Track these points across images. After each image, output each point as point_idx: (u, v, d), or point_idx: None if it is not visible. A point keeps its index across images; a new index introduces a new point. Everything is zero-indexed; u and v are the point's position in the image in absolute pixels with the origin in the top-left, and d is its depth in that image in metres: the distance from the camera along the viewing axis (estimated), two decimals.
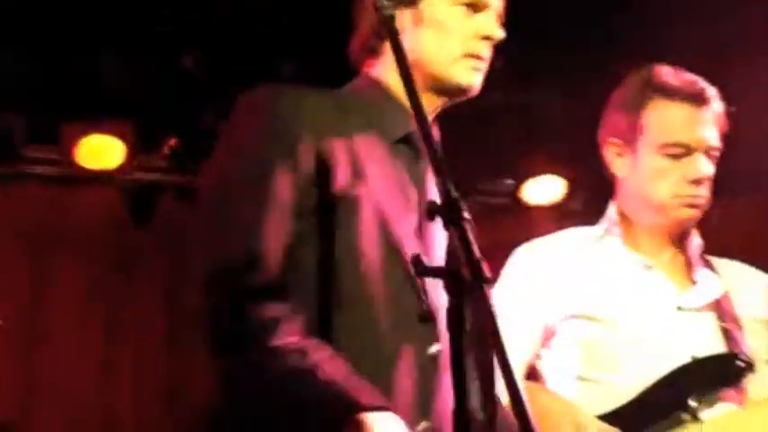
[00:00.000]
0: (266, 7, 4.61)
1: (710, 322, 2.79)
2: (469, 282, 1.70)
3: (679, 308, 2.79)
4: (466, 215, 1.74)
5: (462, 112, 2.37)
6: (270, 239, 2.05)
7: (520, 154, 5.41)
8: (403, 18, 2.21)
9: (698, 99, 2.80)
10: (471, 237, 1.72)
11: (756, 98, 4.26)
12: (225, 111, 5.08)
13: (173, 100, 4.94)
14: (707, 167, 2.78)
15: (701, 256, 2.88)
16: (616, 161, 2.86)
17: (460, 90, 2.28)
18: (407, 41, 2.15)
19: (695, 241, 2.87)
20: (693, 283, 2.83)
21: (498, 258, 2.73)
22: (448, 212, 1.73)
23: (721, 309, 2.80)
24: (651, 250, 2.85)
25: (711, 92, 2.82)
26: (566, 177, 5.35)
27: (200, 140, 5.08)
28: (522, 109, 5.04)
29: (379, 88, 2.27)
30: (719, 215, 3.14)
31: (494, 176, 5.61)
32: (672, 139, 2.77)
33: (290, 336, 1.98)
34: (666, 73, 2.84)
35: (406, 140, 2.24)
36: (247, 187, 2.09)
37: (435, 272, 1.78)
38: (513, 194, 5.58)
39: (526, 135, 5.22)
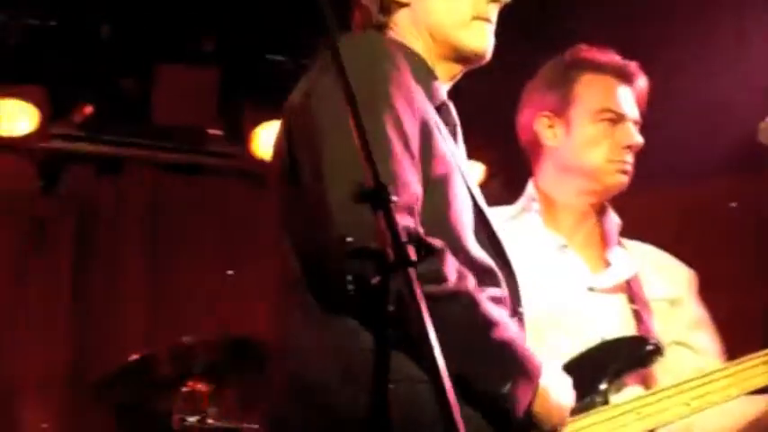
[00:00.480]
0: None
1: (621, 304, 2.87)
2: (395, 263, 1.74)
3: (590, 288, 2.85)
4: (393, 199, 1.77)
5: None
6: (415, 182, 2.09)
7: None
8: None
9: (624, 75, 2.91)
10: (397, 220, 1.75)
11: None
12: (142, 80, 5.06)
13: (89, 67, 4.87)
14: (638, 136, 2.86)
15: (617, 236, 2.95)
16: (547, 132, 2.93)
17: (475, 55, 2.32)
18: (418, 8, 2.24)
19: (613, 220, 2.94)
20: (607, 264, 2.90)
21: None
22: (376, 196, 1.76)
23: (632, 291, 2.88)
24: (568, 227, 2.92)
25: (634, 68, 2.93)
26: (484, 161, 5.44)
27: (117, 109, 5.02)
28: None
29: (416, 55, 2.26)
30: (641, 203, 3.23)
31: None
32: (606, 105, 2.88)
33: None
34: (593, 50, 2.95)
35: (438, 109, 2.27)
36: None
37: (364, 253, 1.82)
38: None
39: None
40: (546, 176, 2.95)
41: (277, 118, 5.39)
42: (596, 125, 2.87)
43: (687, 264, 3.02)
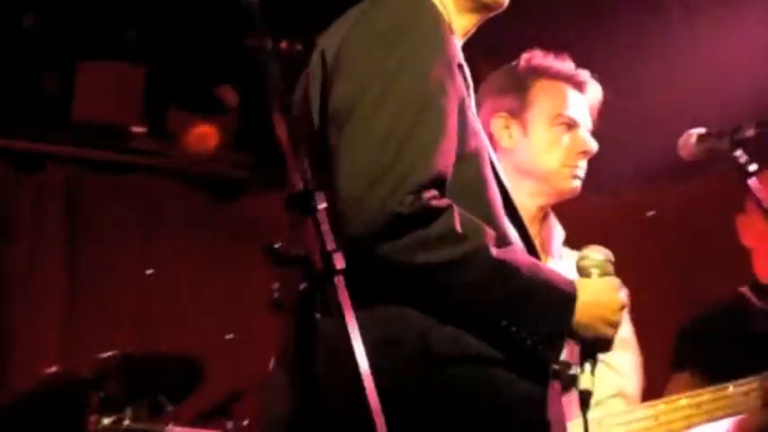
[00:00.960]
0: None
1: None
2: (322, 271, 1.72)
3: None
4: (321, 206, 1.75)
5: None
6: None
7: None
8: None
9: (577, 83, 2.93)
10: (325, 227, 1.73)
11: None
12: (65, 75, 4.96)
13: (13, 60, 4.77)
14: (592, 143, 2.89)
15: (561, 248, 2.97)
16: (502, 133, 2.92)
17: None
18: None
19: (557, 230, 2.95)
20: None
21: None
22: (304, 202, 1.74)
23: None
24: None
25: (587, 77, 2.95)
26: None
27: (38, 104, 4.93)
28: None
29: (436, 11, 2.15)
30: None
31: None
32: (562, 111, 2.89)
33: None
34: (547, 57, 2.96)
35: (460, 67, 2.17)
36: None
37: (290, 260, 1.79)
38: None
39: None
40: None
41: (203, 115, 5.51)
42: (552, 130, 2.87)
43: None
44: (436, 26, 2.07)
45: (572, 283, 2.10)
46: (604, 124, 3.01)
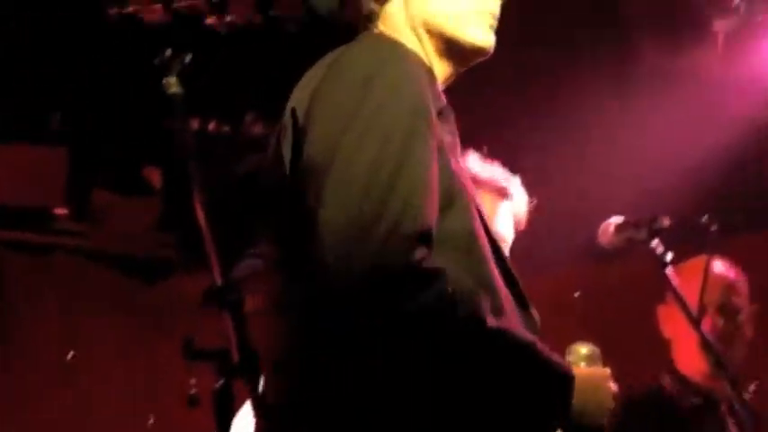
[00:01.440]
0: (33, 58, 4.50)
1: None
2: (240, 367, 1.70)
3: None
4: (244, 300, 1.74)
5: None
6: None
7: None
8: None
9: (503, 193, 2.87)
10: (246, 324, 1.72)
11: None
12: None
13: None
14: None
15: None
16: None
17: (476, 50, 2.10)
18: (414, 3, 2.05)
19: None
20: None
21: None
22: (225, 296, 1.73)
23: None
24: None
25: (513, 186, 2.90)
26: None
27: None
28: None
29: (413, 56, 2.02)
30: None
31: None
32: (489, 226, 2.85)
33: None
34: (474, 164, 2.89)
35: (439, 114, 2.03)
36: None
37: (207, 355, 1.77)
38: None
39: None
40: None
41: (126, 194, 5.49)
42: None
43: None
44: (412, 72, 1.94)
45: (570, 366, 1.98)
46: (532, 209, 3.01)
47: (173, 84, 2.00)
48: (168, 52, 2.04)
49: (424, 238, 1.81)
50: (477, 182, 2.83)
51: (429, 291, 1.78)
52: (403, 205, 1.80)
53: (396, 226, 1.77)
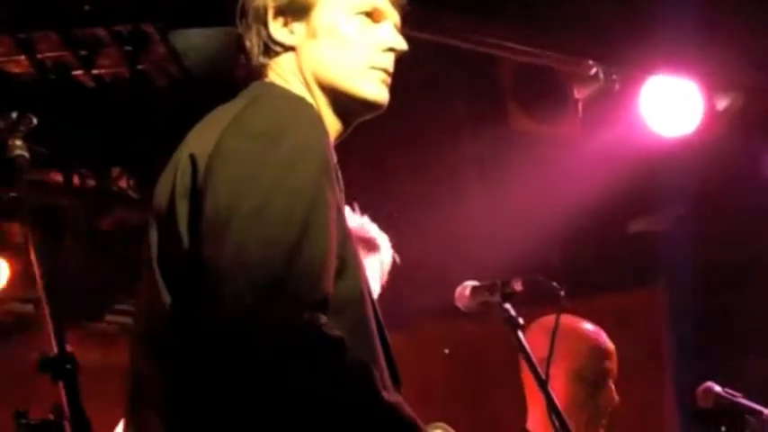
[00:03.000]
0: None
1: None
2: None
3: None
4: (76, 368, 1.72)
5: None
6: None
7: None
8: (295, 34, 2.04)
9: (371, 246, 2.90)
10: (78, 391, 1.69)
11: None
12: None
13: None
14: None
15: None
16: None
17: (369, 105, 2.06)
18: (306, 53, 2.03)
19: None
20: None
21: None
22: (60, 366, 1.70)
23: None
24: None
25: (381, 239, 2.92)
26: None
27: None
28: None
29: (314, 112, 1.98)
30: None
31: None
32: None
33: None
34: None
35: None
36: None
37: (39, 427, 1.74)
38: None
39: None
40: None
41: None
42: None
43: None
44: (316, 128, 1.89)
45: None
46: (401, 264, 3.04)
47: (18, 146, 1.97)
48: (14, 114, 2.02)
49: (323, 305, 1.77)
50: None
51: (329, 359, 1.75)
52: (306, 271, 1.75)
53: (298, 292, 1.73)
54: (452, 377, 5.55)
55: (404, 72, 2.14)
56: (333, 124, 2.06)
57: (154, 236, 1.90)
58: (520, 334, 2.71)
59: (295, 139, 1.84)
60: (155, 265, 1.86)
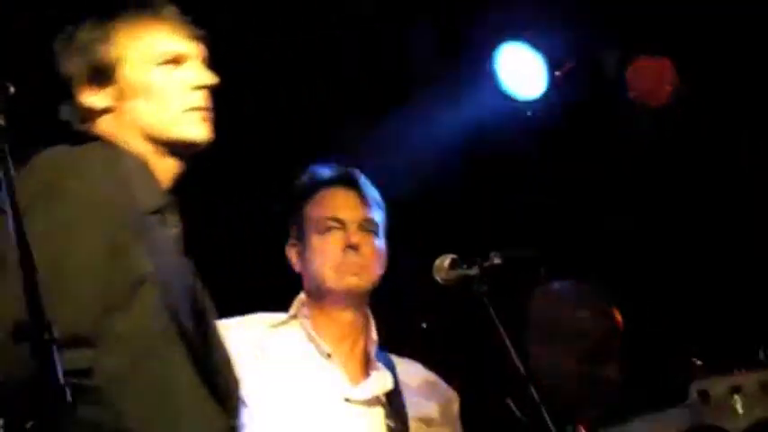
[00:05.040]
0: None
1: (378, 419, 2.91)
2: (53, 404, 1.68)
3: (347, 399, 2.88)
4: (56, 336, 1.71)
5: None
6: None
7: None
8: (105, 98, 2.17)
9: (344, 182, 3.02)
10: (57, 360, 1.69)
11: None
12: None
13: None
14: (361, 236, 2.95)
15: (379, 351, 2.99)
16: (295, 260, 3.01)
17: (193, 144, 2.21)
18: (125, 112, 2.16)
19: (373, 336, 2.99)
20: (366, 377, 2.94)
21: None
22: (37, 334, 1.70)
23: (391, 407, 2.92)
24: (334, 337, 2.95)
25: (355, 174, 3.04)
26: None
27: None
28: None
29: (133, 156, 2.15)
30: None
31: None
32: (324, 215, 2.96)
33: None
34: (322, 167, 3.06)
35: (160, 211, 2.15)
36: None
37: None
38: None
39: None
40: (309, 292, 3.01)
41: None
42: (320, 237, 2.96)
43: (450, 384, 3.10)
44: (111, 179, 2.05)
45: None
46: None
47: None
48: None
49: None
50: (326, 179, 3.02)
51: None
52: None
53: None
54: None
55: None
56: (167, 167, 2.20)
57: None
58: (492, 311, 2.72)
59: (81, 191, 2.00)
60: None
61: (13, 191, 1.78)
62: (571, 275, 3.35)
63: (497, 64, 4.34)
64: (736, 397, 2.84)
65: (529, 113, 4.43)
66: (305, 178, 3.05)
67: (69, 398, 1.67)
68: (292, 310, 2.99)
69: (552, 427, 2.56)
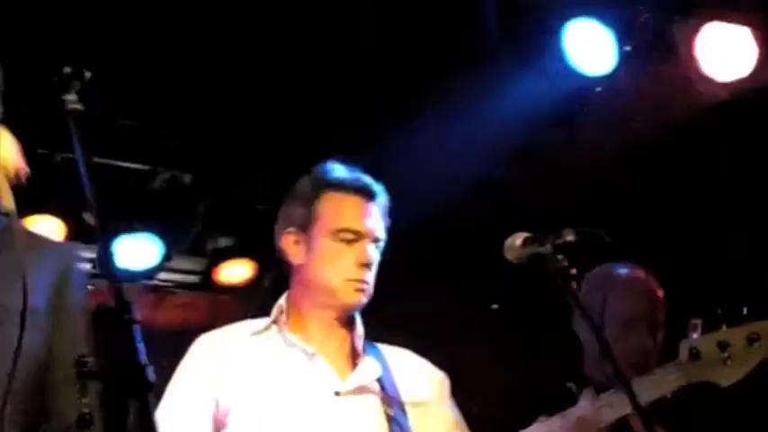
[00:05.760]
0: None
1: (374, 407, 2.90)
2: (134, 385, 1.71)
3: (337, 393, 2.87)
4: (136, 317, 1.74)
5: None
6: None
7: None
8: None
9: (366, 193, 2.96)
10: (138, 341, 1.72)
11: None
12: None
13: None
14: (374, 253, 2.92)
15: (367, 344, 2.98)
16: (293, 249, 2.96)
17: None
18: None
19: (359, 330, 2.99)
20: (355, 368, 2.93)
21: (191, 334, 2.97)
22: (119, 315, 1.73)
23: (386, 394, 2.91)
24: (318, 338, 2.93)
25: (377, 187, 2.99)
26: (254, 260, 5.52)
27: None
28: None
29: None
30: None
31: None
32: (344, 225, 2.91)
33: None
34: (338, 169, 2.99)
35: None
36: None
37: (100, 374, 1.77)
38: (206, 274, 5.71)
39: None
40: (296, 291, 2.99)
41: None
42: (334, 244, 2.91)
43: (440, 366, 3.10)
44: None
45: None
46: None
47: (72, 101, 1.99)
48: (67, 69, 2.02)
49: None
50: (338, 183, 2.96)
51: None
52: None
53: None
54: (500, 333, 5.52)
55: None
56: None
57: None
58: (572, 284, 2.69)
59: None
60: None
61: None
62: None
63: (565, 40, 4.30)
64: (726, 352, 2.99)
65: (598, 89, 4.39)
66: (325, 171, 3.00)
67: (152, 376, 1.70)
68: (272, 316, 2.98)
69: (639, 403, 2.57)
